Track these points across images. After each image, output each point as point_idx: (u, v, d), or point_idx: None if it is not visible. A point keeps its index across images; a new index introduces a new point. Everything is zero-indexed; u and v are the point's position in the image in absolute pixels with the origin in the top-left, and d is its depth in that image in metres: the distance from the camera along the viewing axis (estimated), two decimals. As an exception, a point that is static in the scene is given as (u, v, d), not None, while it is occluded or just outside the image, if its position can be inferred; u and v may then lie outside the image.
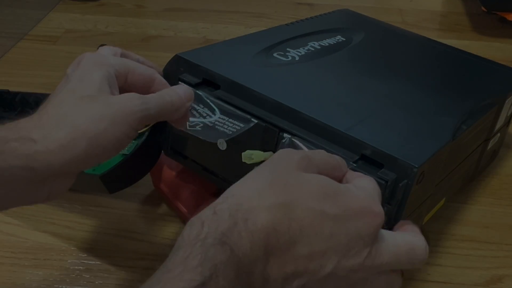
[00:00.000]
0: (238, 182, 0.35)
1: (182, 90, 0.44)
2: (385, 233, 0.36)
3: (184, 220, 0.55)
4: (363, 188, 0.36)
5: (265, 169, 0.36)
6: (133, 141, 0.55)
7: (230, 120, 0.46)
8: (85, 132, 0.38)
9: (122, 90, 0.43)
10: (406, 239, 0.37)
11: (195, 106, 0.47)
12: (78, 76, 0.41)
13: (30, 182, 0.37)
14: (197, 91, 0.48)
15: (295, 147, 0.43)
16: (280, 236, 0.32)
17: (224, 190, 0.44)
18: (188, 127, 0.47)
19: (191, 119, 0.47)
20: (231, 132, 0.46)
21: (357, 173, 0.39)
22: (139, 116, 0.40)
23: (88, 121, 0.38)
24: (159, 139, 0.54)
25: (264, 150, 0.45)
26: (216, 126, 0.46)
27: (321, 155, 0.38)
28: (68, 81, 0.41)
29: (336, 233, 0.33)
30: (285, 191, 0.34)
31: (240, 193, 0.34)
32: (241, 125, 0.46)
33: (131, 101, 0.40)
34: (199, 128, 0.47)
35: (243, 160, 0.44)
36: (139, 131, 0.53)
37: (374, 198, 0.36)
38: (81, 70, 0.41)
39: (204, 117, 0.47)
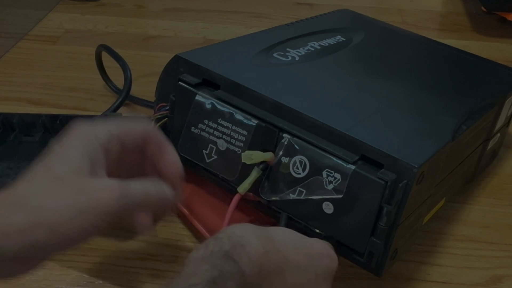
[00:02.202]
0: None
1: (169, 191, 0.42)
2: None
3: (183, 220, 0.55)
4: (316, 240, 0.42)
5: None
6: None
7: (233, 127, 0.46)
8: (46, 219, 0.35)
9: (118, 158, 0.41)
10: None
11: (202, 125, 0.48)
12: (58, 150, 0.38)
13: None
14: (197, 97, 0.48)
15: (294, 149, 0.43)
16: (271, 261, 0.36)
17: (225, 190, 0.44)
18: (207, 160, 0.48)
19: (204, 148, 0.48)
20: (240, 150, 0.46)
21: None
22: (114, 209, 0.37)
23: (53, 207, 0.35)
24: None
25: (264, 151, 0.45)
26: (228, 144, 0.47)
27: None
28: (47, 154, 0.38)
29: (308, 269, 0.38)
30: (266, 230, 0.38)
31: (229, 229, 0.37)
32: (245, 132, 0.46)
33: (109, 192, 0.37)
34: (215, 156, 0.48)
35: (242, 161, 0.44)
36: None
37: (330, 247, 0.41)
38: (62, 144, 0.39)
39: (212, 134, 0.48)
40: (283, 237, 0.39)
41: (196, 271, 0.33)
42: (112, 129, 0.41)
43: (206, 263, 0.33)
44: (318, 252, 0.40)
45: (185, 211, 0.54)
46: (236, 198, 0.46)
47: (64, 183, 0.36)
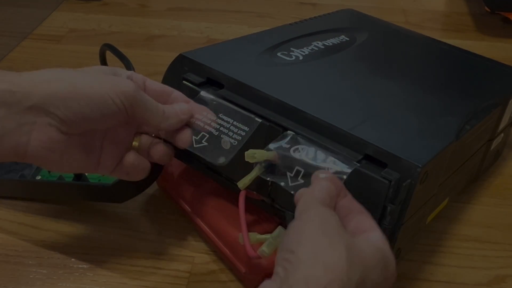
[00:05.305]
0: (296, 237, 0.33)
1: (178, 106, 0.47)
2: None
3: (188, 218, 0.55)
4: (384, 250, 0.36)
5: (318, 231, 0.34)
6: None
7: (235, 123, 0.46)
8: (70, 77, 0.41)
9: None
10: None
11: (199, 116, 0.47)
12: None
13: (10, 110, 0.39)
14: (201, 93, 0.48)
15: (297, 144, 0.43)
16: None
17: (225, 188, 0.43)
18: (194, 145, 0.47)
19: (195, 134, 0.47)
20: (236, 143, 0.46)
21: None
22: (130, 95, 0.42)
23: (76, 74, 0.42)
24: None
25: (268, 150, 0.45)
26: (222, 135, 0.46)
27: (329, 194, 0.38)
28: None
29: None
30: (356, 267, 0.32)
31: (311, 261, 0.32)
32: (246, 128, 0.46)
33: (127, 82, 0.43)
34: (205, 143, 0.47)
35: (246, 159, 0.44)
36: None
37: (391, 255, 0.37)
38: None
39: (209, 125, 0.47)
40: (374, 271, 0.34)
41: None
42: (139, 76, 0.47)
43: None
44: (392, 275, 0.36)
45: (188, 209, 0.54)
46: (241, 200, 0.46)
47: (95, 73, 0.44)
